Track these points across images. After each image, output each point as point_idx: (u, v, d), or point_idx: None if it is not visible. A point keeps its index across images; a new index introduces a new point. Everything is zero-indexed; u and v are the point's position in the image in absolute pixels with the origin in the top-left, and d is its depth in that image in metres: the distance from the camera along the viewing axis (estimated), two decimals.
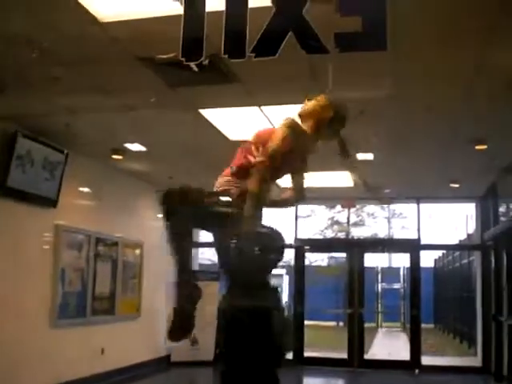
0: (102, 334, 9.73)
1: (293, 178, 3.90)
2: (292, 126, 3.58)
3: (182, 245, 3.52)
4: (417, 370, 11.87)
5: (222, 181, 3.65)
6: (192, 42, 3.05)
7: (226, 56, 3.00)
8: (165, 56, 3.36)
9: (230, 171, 3.64)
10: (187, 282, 3.55)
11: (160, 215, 3.69)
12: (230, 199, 3.53)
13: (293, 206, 4.16)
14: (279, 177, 3.79)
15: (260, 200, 3.44)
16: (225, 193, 3.57)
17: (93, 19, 4.61)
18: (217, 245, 3.73)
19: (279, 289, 3.81)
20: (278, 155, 3.45)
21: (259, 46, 2.93)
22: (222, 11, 3.01)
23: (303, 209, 15.45)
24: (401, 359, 12.79)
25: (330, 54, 3.08)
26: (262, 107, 6.69)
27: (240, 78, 5.76)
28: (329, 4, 2.93)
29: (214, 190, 3.68)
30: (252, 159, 3.53)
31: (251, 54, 2.96)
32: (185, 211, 3.42)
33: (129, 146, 8.51)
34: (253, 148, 3.59)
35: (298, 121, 3.67)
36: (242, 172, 3.57)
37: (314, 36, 2.88)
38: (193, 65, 3.24)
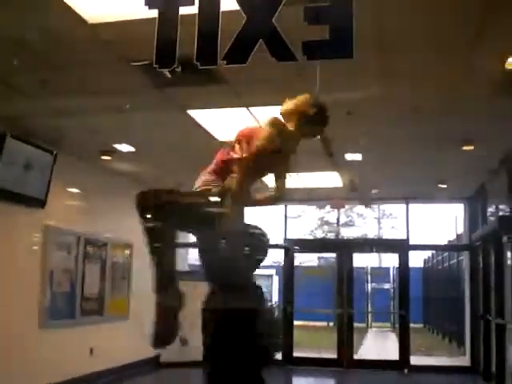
0: (91, 335, 9.72)
1: (276, 176, 3.85)
2: (277, 125, 3.57)
3: (159, 247, 3.49)
4: (406, 370, 11.91)
5: (200, 180, 3.60)
6: (165, 48, 3.09)
7: (198, 63, 3.03)
8: (139, 63, 3.38)
9: (213, 167, 3.59)
10: (167, 288, 3.49)
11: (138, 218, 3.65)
12: (211, 198, 3.49)
13: (273, 204, 4.05)
14: (263, 175, 3.78)
15: (242, 197, 3.43)
16: (204, 192, 3.52)
17: (80, 21, 4.61)
18: (199, 245, 3.70)
19: (263, 289, 3.77)
20: (263, 153, 3.42)
21: (230, 54, 2.98)
22: (195, 18, 3.05)
23: (293, 209, 15.47)
24: (390, 359, 12.83)
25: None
26: (250, 108, 6.70)
27: (227, 79, 5.78)
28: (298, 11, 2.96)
29: (194, 189, 3.63)
30: (235, 156, 3.52)
31: (222, 62, 3.00)
32: (162, 212, 3.42)
33: (117, 146, 8.51)
34: (237, 146, 3.57)
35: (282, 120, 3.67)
36: (224, 170, 3.53)
37: (284, 44, 2.92)
38: (166, 71, 3.28)
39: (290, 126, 3.66)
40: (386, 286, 23.32)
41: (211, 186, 3.53)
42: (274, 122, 3.58)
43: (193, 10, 3.05)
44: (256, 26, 2.98)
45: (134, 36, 4.75)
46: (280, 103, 6.57)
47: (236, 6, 3.00)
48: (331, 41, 2.88)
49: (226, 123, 7.32)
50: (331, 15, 2.91)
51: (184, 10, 3.07)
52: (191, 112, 6.93)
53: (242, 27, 2.97)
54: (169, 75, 3.39)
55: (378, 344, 18.89)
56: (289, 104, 3.72)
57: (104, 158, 8.88)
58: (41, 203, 8.31)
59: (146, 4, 3.14)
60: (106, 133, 7.99)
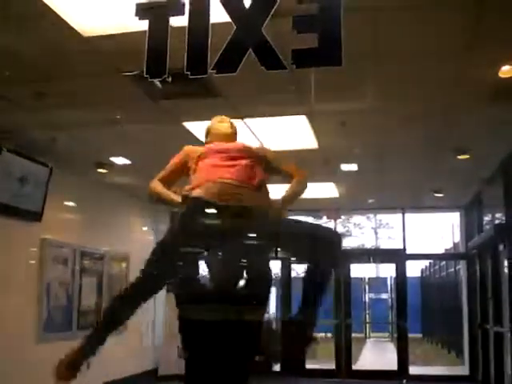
0: None
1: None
2: None
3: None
4: (404, 380, 11.86)
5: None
6: (155, 58, 3.10)
7: (188, 73, 3.05)
8: (130, 73, 3.39)
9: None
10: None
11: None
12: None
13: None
14: None
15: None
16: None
17: (76, 34, 4.63)
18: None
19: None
20: None
21: (220, 63, 3.00)
22: (185, 29, 3.07)
23: None
24: (389, 369, 12.79)
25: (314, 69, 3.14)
26: (246, 120, 6.72)
27: (223, 92, 5.79)
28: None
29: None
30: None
31: (212, 71, 3.02)
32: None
33: (113, 159, 8.52)
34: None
35: None
36: None
37: (273, 53, 2.94)
38: (156, 81, 3.30)
39: None
40: (384, 295, 23.29)
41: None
42: None
43: (184, 21, 3.08)
44: (245, 35, 3.00)
45: (130, 48, 4.76)
46: (276, 115, 6.62)
47: (226, 18, 3.02)
48: (320, 49, 2.90)
49: None
50: (320, 23, 2.93)
51: (175, 21, 3.09)
52: (187, 124, 6.94)
53: (231, 36, 2.99)
54: (160, 85, 3.39)
55: (376, 354, 18.86)
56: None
57: (100, 171, 8.88)
58: (37, 217, 8.29)
59: (136, 15, 3.15)
60: (102, 146, 7.99)
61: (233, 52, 3.00)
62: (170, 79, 3.17)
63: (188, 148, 3.77)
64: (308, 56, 2.98)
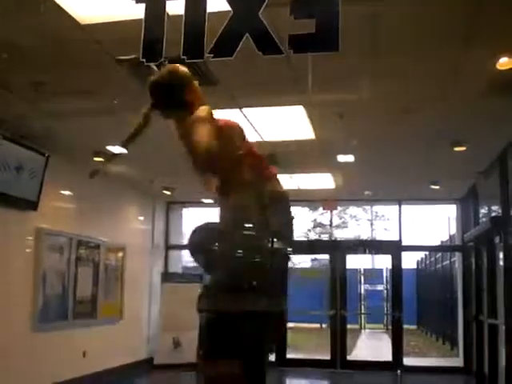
0: (84, 337, 9.70)
1: None
2: None
3: None
4: (399, 371, 11.92)
5: None
6: (152, 43, 3.11)
7: (185, 57, 3.04)
8: (125, 57, 3.36)
9: None
10: None
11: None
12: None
13: None
14: None
15: None
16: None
17: (73, 22, 4.61)
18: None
19: None
20: None
21: (217, 48, 3.00)
22: (182, 14, 3.07)
23: None
24: (383, 360, 12.85)
25: (309, 56, 3.11)
26: (243, 109, 6.70)
27: (221, 81, 5.78)
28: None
29: None
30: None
31: (209, 55, 3.01)
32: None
33: (110, 148, 8.49)
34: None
35: None
36: None
37: (270, 38, 2.94)
38: (153, 65, 3.27)
39: None
40: (380, 287, 23.33)
41: None
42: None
43: (180, 5, 3.07)
44: (242, 20, 3.00)
45: (127, 36, 4.75)
46: (273, 104, 6.60)
47: (223, 6, 3.02)
48: (317, 34, 2.90)
49: None
50: (317, 9, 2.93)
51: (172, 9, 3.08)
52: None
53: (228, 21, 2.99)
54: (156, 69, 3.36)
55: (371, 345, 18.90)
56: None
57: (97, 159, 8.86)
58: (33, 205, 8.29)
59: None
60: (100, 134, 7.97)
61: (229, 37, 2.99)
62: (166, 63, 3.15)
63: None
64: (305, 41, 2.97)
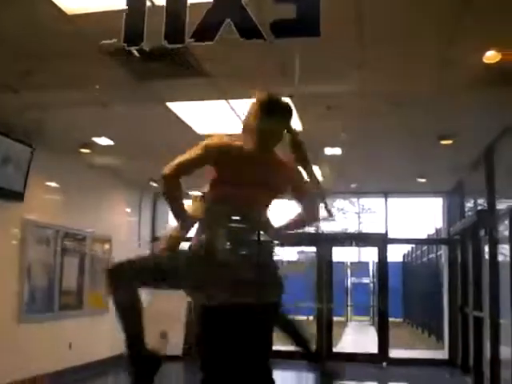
0: (70, 329, 9.68)
1: None
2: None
3: (128, 314, 3.25)
4: (384, 363, 11.98)
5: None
6: (133, 27, 3.11)
7: (166, 42, 3.04)
8: (108, 41, 3.35)
9: None
10: (140, 355, 3.28)
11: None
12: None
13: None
14: None
15: None
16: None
17: (60, 12, 4.58)
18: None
19: None
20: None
21: (198, 32, 3.00)
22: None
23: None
24: (369, 352, 12.91)
25: (297, 46, 3.09)
26: (230, 101, 6.67)
27: (208, 72, 5.75)
28: None
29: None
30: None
31: (190, 40, 3.00)
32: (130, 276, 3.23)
33: (96, 140, 8.46)
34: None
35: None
36: None
37: (252, 23, 2.94)
38: (134, 50, 3.27)
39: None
40: (366, 280, 23.47)
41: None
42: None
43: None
44: (224, 5, 3.01)
45: (114, 27, 4.73)
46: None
47: None
48: (298, 19, 2.90)
49: (207, 116, 7.32)
50: None
51: None
52: (171, 105, 6.89)
53: (210, 6, 2.98)
54: (137, 54, 3.35)
55: (357, 337, 18.99)
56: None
57: (83, 151, 8.83)
58: (19, 197, 8.24)
59: None
60: (85, 126, 7.93)
61: (211, 21, 2.99)
62: (147, 48, 3.14)
63: None
64: (286, 26, 2.98)
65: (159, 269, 3.25)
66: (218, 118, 7.23)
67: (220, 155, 3.09)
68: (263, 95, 3.27)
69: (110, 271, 3.39)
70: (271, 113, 3.20)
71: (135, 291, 3.24)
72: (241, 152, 3.13)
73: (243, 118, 3.38)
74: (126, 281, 3.25)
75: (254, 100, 3.31)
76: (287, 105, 3.30)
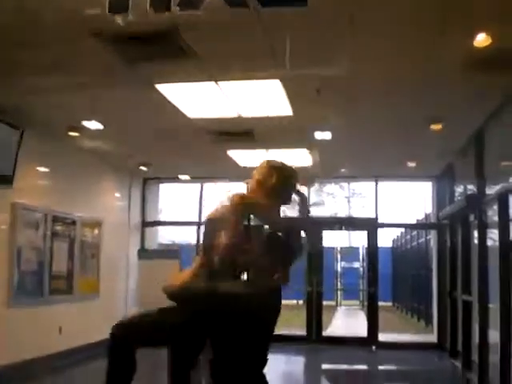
0: (60, 314, 9.67)
1: None
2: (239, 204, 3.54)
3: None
4: (374, 347, 12.06)
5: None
6: None
7: (152, 8, 3.03)
8: (91, 12, 3.34)
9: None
10: None
11: None
12: None
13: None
14: None
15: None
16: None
17: None
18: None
19: None
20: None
21: (184, 1, 2.97)
22: None
23: None
24: (359, 336, 12.99)
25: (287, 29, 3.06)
26: (219, 82, 6.62)
27: (197, 53, 5.70)
28: None
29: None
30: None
31: (176, 8, 2.98)
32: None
33: (86, 123, 8.41)
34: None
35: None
36: None
37: None
38: (119, 19, 3.26)
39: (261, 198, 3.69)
40: (356, 264, 23.59)
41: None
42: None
43: None
44: None
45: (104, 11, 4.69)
46: (249, 78, 6.53)
47: None
48: None
49: (196, 99, 7.28)
50: None
51: None
52: (160, 87, 6.82)
53: None
54: (122, 23, 3.34)
55: (346, 321, 19.10)
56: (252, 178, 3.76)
57: (72, 134, 8.78)
58: (8, 180, 8.18)
59: None
60: (75, 110, 7.89)
61: None
62: (131, 17, 3.13)
63: None
64: None
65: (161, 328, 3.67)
66: (207, 100, 7.20)
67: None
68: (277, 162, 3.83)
69: (112, 335, 3.74)
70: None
71: (133, 357, 3.61)
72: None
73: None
74: (127, 348, 3.64)
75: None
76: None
